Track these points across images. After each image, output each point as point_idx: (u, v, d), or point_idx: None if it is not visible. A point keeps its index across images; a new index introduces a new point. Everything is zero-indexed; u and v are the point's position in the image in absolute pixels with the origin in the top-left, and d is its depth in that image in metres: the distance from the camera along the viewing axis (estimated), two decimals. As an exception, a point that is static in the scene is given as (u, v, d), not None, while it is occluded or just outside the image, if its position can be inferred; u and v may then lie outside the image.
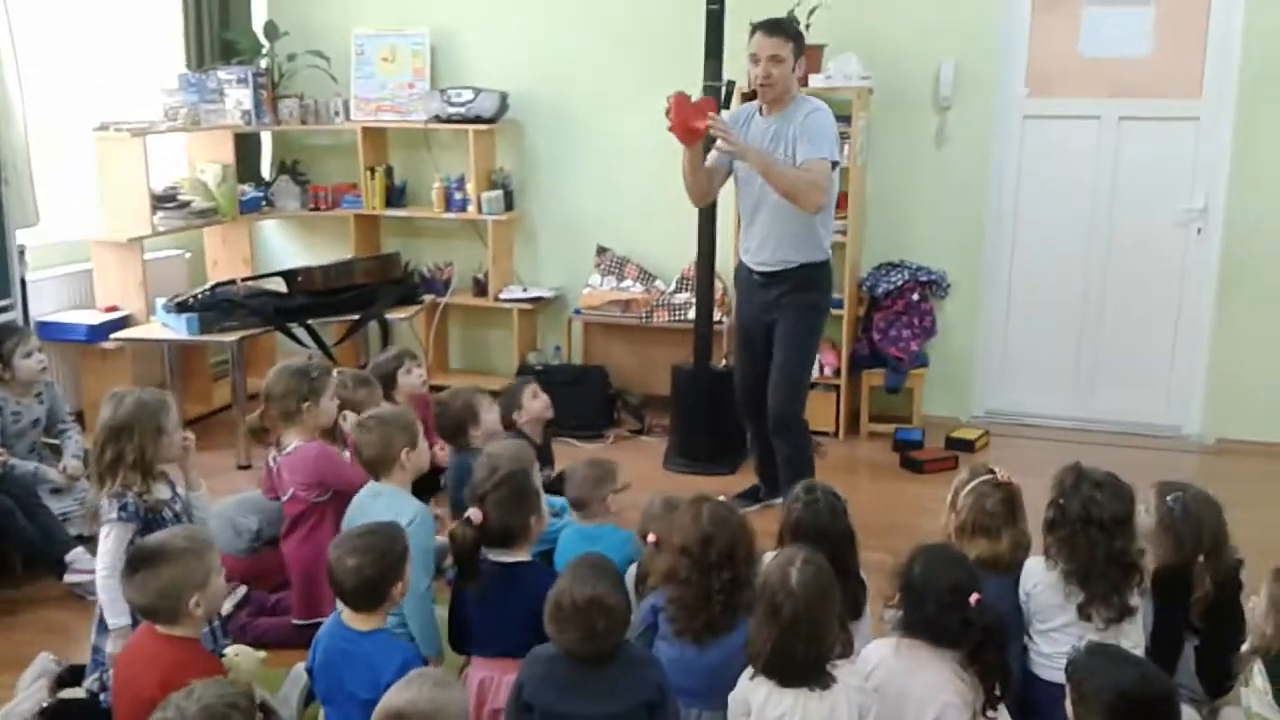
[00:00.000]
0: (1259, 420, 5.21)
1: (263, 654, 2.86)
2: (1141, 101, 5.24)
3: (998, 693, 2.35)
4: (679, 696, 2.45)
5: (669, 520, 2.88)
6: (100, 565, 3.00)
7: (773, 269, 4.09)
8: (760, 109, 4.08)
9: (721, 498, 2.70)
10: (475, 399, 4.05)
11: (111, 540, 2.99)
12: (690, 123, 3.86)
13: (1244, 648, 2.57)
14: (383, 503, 3.13)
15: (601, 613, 2.30)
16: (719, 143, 3.99)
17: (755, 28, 4.01)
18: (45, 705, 2.90)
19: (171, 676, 2.25)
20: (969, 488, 2.87)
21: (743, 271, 4.26)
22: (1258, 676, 2.48)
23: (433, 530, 3.25)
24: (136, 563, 2.56)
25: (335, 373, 3.76)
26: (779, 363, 4.14)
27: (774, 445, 4.21)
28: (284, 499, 3.48)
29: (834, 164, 3.94)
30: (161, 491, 3.11)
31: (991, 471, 2.92)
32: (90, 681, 2.99)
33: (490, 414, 4.05)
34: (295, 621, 3.34)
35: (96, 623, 3.03)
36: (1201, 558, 2.74)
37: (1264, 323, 5.13)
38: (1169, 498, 2.82)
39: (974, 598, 2.35)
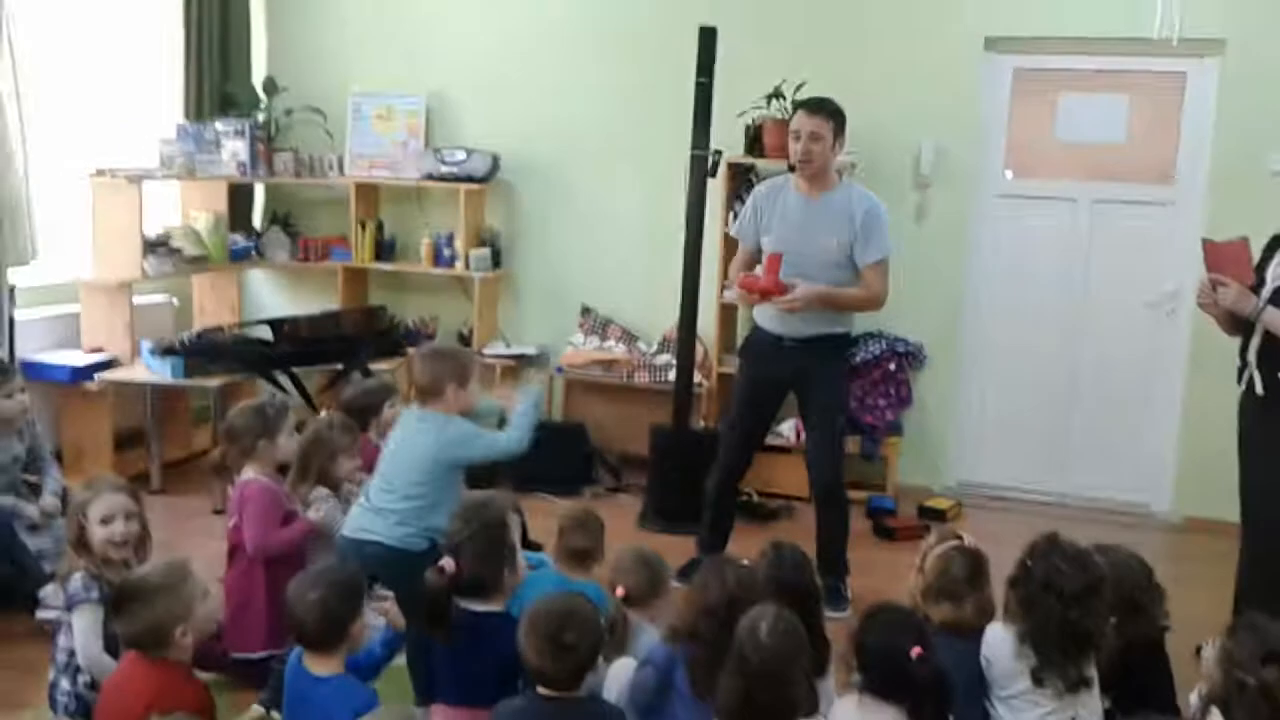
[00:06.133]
0: (1227, 500, 5.20)
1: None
2: (1115, 185, 5.40)
3: None
4: None
5: (638, 574, 2.93)
6: None
7: (807, 337, 4.07)
8: (794, 183, 4.11)
9: (745, 562, 2.74)
10: None
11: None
12: (764, 290, 4.00)
13: (1194, 697, 2.64)
14: None
15: (573, 624, 2.35)
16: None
17: (797, 106, 4.10)
18: None
19: (157, 701, 2.27)
20: (936, 551, 2.92)
21: (765, 338, 4.19)
22: None
23: None
24: (119, 602, 2.60)
25: (323, 413, 3.87)
26: (822, 438, 4.16)
27: (822, 518, 4.22)
28: (229, 525, 3.54)
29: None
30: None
31: (959, 537, 2.97)
32: None
33: None
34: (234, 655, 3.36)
35: (55, 661, 3.04)
36: (1115, 618, 2.77)
37: (1232, 404, 5.18)
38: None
39: (914, 651, 2.39)
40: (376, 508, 3.31)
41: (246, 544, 3.43)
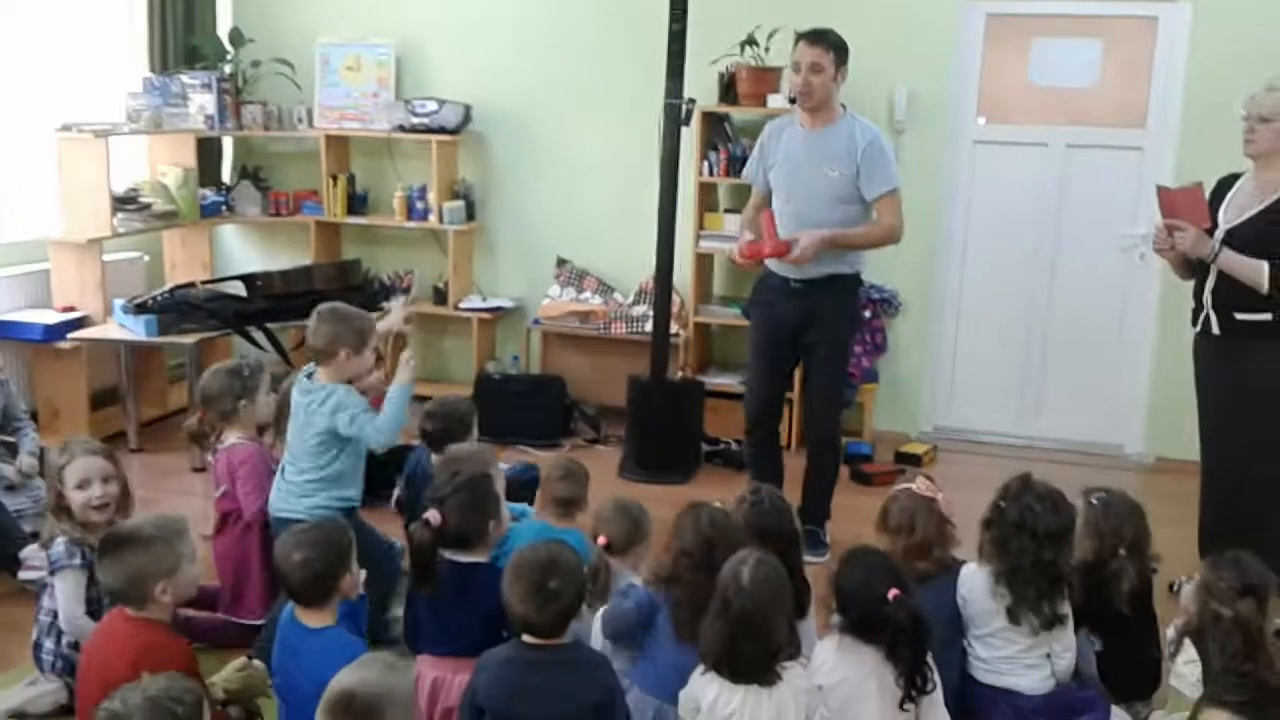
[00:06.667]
0: (1197, 440, 5.35)
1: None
2: (1088, 130, 5.41)
3: (918, 684, 2.44)
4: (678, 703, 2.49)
5: (619, 523, 2.96)
6: None
7: (814, 278, 4.00)
8: (799, 119, 4.03)
9: (718, 503, 2.77)
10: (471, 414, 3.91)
11: None
12: (771, 255, 3.94)
13: (1171, 630, 2.75)
14: None
15: (557, 570, 2.37)
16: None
17: (799, 37, 3.99)
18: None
19: (141, 658, 2.27)
20: (891, 491, 3.12)
21: (772, 281, 4.12)
22: (1182, 657, 2.69)
23: None
24: (107, 547, 2.60)
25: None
26: (823, 383, 4.13)
27: (814, 464, 4.23)
28: (217, 494, 3.52)
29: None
30: None
31: (929, 479, 3.06)
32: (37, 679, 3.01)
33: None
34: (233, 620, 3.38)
35: (39, 622, 3.05)
36: (1124, 551, 2.87)
37: (1202, 346, 5.28)
38: (1093, 497, 2.98)
39: (891, 594, 2.44)
40: (289, 482, 3.22)
41: (243, 509, 3.41)
